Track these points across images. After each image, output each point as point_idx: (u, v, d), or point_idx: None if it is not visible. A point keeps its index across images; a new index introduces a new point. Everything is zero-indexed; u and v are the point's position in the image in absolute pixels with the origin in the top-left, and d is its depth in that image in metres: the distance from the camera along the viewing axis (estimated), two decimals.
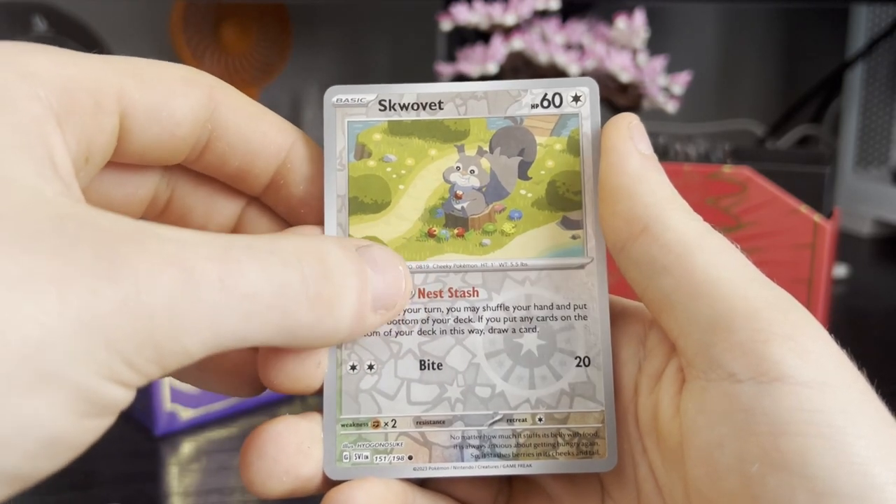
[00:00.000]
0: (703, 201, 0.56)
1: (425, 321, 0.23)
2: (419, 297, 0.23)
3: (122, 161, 0.21)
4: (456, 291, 0.23)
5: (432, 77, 0.78)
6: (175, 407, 0.47)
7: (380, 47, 1.05)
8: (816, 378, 0.18)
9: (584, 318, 0.22)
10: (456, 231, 0.23)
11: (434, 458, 0.22)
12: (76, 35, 0.80)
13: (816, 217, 0.55)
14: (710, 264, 0.20)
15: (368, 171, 0.23)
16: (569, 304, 0.23)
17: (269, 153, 0.22)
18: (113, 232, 0.16)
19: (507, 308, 0.23)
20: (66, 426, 0.15)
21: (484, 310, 0.23)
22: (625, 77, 0.67)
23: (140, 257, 0.16)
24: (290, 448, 0.21)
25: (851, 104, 0.95)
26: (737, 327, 0.19)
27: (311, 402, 0.49)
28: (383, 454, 0.22)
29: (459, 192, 0.23)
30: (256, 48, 0.91)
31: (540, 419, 0.22)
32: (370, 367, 0.22)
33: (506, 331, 0.23)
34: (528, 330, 0.23)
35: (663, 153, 0.61)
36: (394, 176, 0.23)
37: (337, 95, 0.23)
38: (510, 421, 0.22)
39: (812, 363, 0.18)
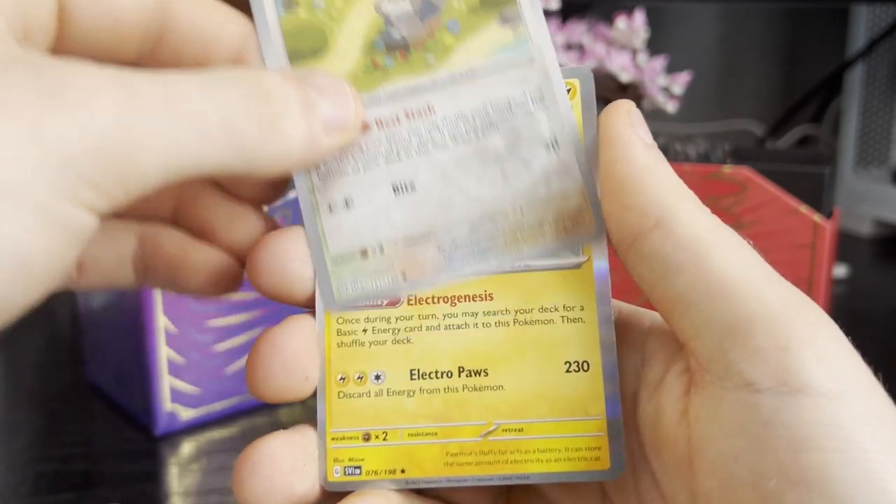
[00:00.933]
0: (703, 201, 0.55)
1: (389, 150, 0.22)
2: (378, 129, 0.22)
3: (69, 48, 0.21)
4: (411, 113, 0.22)
5: None
6: (175, 407, 0.47)
7: None
8: (836, 388, 0.17)
9: (544, 104, 0.22)
10: (399, 55, 0.22)
11: (427, 274, 0.22)
12: None
13: (816, 217, 0.55)
14: (726, 262, 0.19)
15: (300, 21, 0.22)
16: (525, 95, 0.22)
17: (224, 45, 0.22)
18: (54, 63, 0.16)
19: (465, 117, 0.22)
20: (34, 246, 0.15)
21: (443, 123, 0.22)
22: (625, 77, 0.67)
23: (83, 79, 0.16)
24: (285, 466, 0.21)
25: (851, 104, 0.95)
26: (756, 332, 0.18)
27: (310, 403, 0.49)
28: (376, 276, 0.22)
29: (393, 20, 0.22)
30: None
31: (521, 209, 0.22)
32: (346, 203, 0.22)
33: (470, 139, 0.22)
34: (491, 131, 0.22)
35: (663, 153, 0.61)
36: (326, 19, 0.22)
37: None
38: (492, 219, 0.22)
39: (832, 371, 0.18)
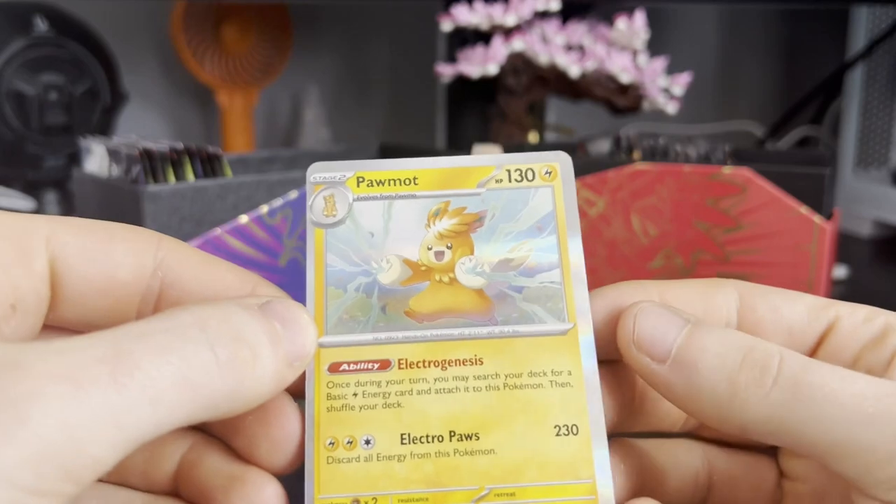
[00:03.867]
0: (703, 202, 0.56)
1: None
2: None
3: (64, 314, 0.21)
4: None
5: (432, 78, 0.78)
6: None
7: (380, 47, 1.05)
8: None
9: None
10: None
11: None
12: (76, 35, 0.80)
13: (816, 218, 0.55)
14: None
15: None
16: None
17: (228, 298, 0.21)
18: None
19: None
20: None
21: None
22: (625, 78, 0.67)
23: (26, 383, 0.16)
24: None
25: (851, 105, 0.95)
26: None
27: None
28: None
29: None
30: (256, 48, 0.91)
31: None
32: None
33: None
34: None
35: (663, 154, 0.61)
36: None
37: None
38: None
39: None
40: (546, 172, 0.24)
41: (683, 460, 0.24)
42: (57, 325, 0.21)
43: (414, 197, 0.24)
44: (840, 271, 0.75)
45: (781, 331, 0.22)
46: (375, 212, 0.23)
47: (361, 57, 1.05)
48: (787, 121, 1.02)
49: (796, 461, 0.23)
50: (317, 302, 0.22)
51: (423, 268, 0.23)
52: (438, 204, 0.24)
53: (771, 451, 0.24)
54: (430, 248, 0.23)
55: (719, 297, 0.22)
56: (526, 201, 0.24)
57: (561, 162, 0.24)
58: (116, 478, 0.22)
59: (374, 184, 0.24)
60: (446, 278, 0.23)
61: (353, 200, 0.23)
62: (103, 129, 0.82)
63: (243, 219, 0.48)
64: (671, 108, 0.69)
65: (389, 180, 0.24)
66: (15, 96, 0.77)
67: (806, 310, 0.22)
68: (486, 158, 0.24)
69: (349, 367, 0.22)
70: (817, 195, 0.56)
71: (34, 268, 0.20)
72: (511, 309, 0.22)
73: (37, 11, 0.78)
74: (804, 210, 0.55)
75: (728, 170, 0.56)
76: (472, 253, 0.23)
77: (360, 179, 0.24)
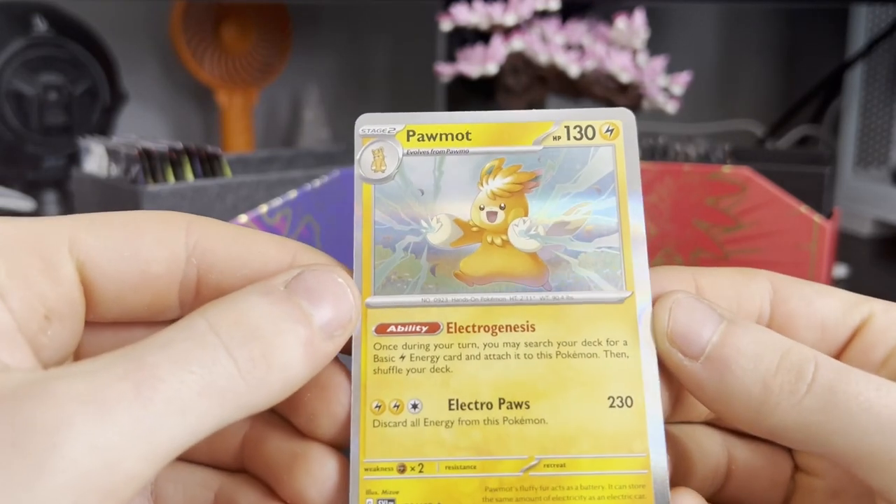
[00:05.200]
0: (702, 201, 0.56)
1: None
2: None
3: (104, 314, 0.20)
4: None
5: (432, 78, 0.78)
6: None
7: (380, 47, 1.05)
8: None
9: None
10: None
11: None
12: (76, 35, 0.80)
13: (816, 217, 0.55)
14: None
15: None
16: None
17: (269, 272, 0.20)
18: (19, 395, 0.16)
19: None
20: None
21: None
22: (625, 77, 0.67)
23: (49, 412, 0.15)
24: None
25: (851, 104, 0.95)
26: None
27: None
28: None
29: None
30: (256, 48, 0.91)
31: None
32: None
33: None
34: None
35: (663, 153, 0.61)
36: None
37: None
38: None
39: None
40: (607, 130, 0.23)
41: (708, 449, 0.23)
42: (100, 321, 0.21)
43: (466, 153, 0.22)
44: (840, 271, 0.75)
45: (814, 324, 0.21)
46: (426, 168, 0.22)
47: (361, 57, 1.05)
48: (786, 120, 1.02)
49: (814, 457, 0.23)
50: (364, 261, 0.22)
51: (475, 228, 0.22)
52: (492, 161, 0.22)
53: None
54: (482, 208, 0.22)
55: (753, 286, 0.22)
56: (585, 160, 0.22)
57: (624, 119, 0.22)
58: (185, 455, 0.22)
59: (426, 138, 0.23)
60: (499, 240, 0.22)
61: (403, 155, 0.22)
62: (103, 129, 0.82)
63: (242, 219, 0.48)
64: (671, 107, 0.69)
65: (441, 135, 0.23)
66: (14, 96, 0.77)
67: (839, 304, 0.21)
68: (545, 114, 0.23)
69: (397, 328, 0.21)
70: (817, 194, 0.56)
71: (61, 275, 0.19)
72: (566, 274, 0.22)
73: (36, 11, 0.78)
74: (804, 209, 0.55)
75: (728, 169, 0.56)
76: (526, 214, 0.22)
77: (411, 133, 0.23)
